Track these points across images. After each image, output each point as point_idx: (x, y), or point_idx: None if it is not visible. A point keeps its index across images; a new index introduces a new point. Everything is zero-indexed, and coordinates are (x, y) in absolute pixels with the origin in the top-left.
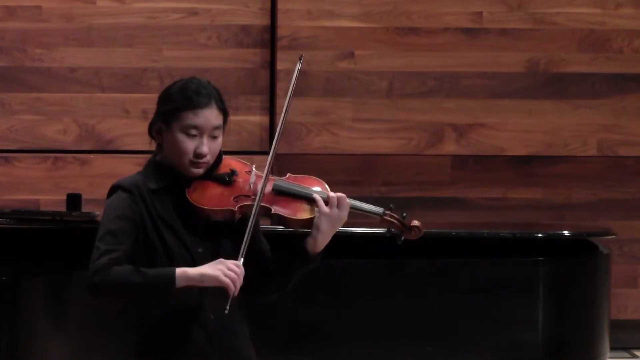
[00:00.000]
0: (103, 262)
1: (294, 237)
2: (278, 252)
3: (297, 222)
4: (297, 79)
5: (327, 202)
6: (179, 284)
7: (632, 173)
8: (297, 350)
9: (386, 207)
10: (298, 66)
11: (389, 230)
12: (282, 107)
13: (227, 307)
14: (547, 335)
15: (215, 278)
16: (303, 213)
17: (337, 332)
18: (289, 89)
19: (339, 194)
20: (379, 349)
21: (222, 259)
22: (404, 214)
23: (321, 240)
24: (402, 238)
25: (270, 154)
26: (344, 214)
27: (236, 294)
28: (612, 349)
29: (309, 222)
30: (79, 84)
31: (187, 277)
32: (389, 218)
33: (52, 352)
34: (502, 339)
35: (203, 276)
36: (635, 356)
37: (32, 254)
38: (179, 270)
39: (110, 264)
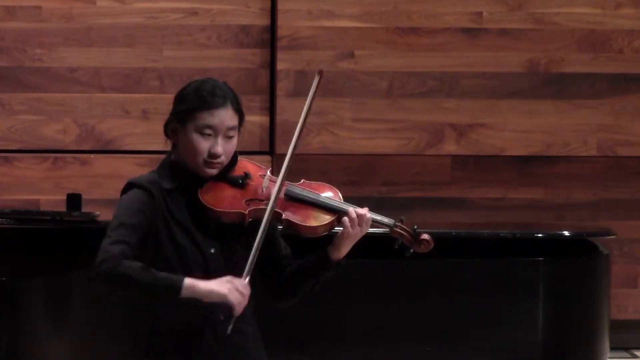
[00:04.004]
0: (115, 251)
1: (317, 243)
2: (301, 259)
3: (307, 229)
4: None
5: (347, 215)
6: (184, 293)
7: (632, 173)
8: (297, 350)
9: (397, 219)
10: (316, 80)
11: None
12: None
13: (230, 327)
14: (547, 335)
15: (223, 296)
16: (313, 220)
17: (337, 332)
18: (306, 101)
19: (360, 212)
20: (379, 349)
21: (231, 277)
22: (415, 226)
23: (343, 249)
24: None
25: (286, 160)
26: (365, 230)
27: (238, 314)
28: (612, 349)
29: (319, 230)
30: (79, 84)
31: (195, 290)
32: (399, 230)
33: (52, 352)
34: (502, 339)
35: (211, 292)
36: (635, 356)
37: (32, 254)
38: (188, 281)
39: (121, 256)
